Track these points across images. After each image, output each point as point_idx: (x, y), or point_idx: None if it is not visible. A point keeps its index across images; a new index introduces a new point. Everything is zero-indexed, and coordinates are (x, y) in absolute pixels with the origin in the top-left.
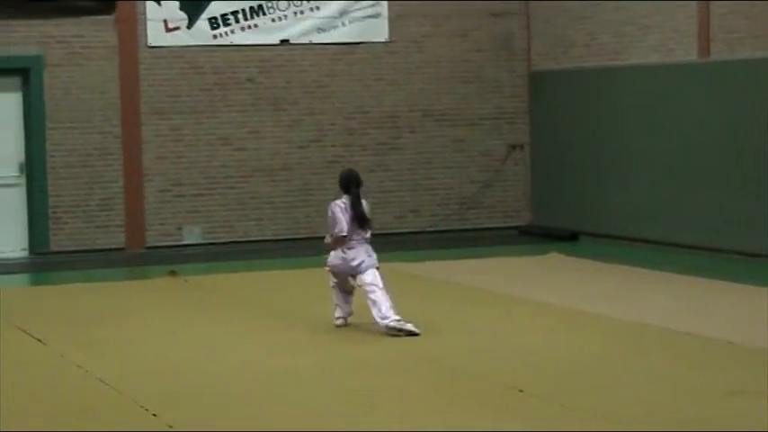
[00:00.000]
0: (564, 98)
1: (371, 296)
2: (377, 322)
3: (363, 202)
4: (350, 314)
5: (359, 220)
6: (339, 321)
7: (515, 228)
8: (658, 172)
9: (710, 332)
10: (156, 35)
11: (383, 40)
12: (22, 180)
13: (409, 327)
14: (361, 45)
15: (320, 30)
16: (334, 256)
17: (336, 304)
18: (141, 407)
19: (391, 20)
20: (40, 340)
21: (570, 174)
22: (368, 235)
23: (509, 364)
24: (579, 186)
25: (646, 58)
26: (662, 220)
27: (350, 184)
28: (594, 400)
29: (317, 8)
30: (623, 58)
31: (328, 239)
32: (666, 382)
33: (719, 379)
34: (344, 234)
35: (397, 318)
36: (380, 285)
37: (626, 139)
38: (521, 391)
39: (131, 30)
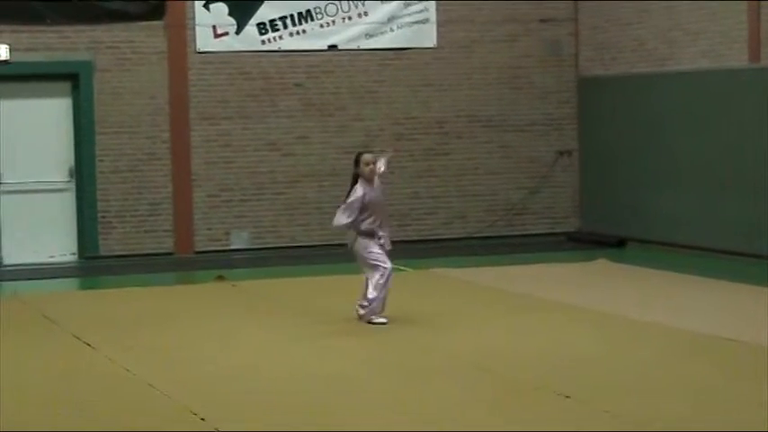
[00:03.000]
0: (612, 104)
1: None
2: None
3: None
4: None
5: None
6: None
7: (563, 234)
8: (706, 178)
9: (758, 339)
10: (204, 40)
11: (431, 46)
12: (72, 185)
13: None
14: (409, 50)
15: (368, 35)
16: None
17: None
18: (190, 411)
19: (439, 25)
20: (88, 344)
21: (618, 180)
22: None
23: (556, 371)
24: (627, 193)
25: (694, 63)
26: (710, 227)
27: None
28: (640, 408)
29: (366, 14)
30: (672, 63)
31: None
32: (712, 389)
33: (765, 388)
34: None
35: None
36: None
37: (674, 146)
38: (567, 397)
39: (180, 35)
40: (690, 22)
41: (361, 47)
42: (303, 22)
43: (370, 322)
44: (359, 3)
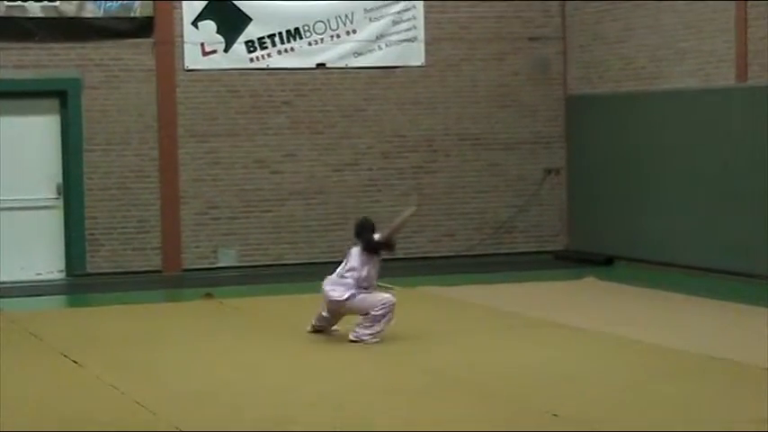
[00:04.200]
0: (600, 123)
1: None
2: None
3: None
4: (326, 327)
5: (370, 251)
6: (309, 328)
7: (551, 252)
8: (695, 197)
9: (746, 358)
10: (193, 58)
11: (419, 64)
12: (60, 202)
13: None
14: (397, 69)
15: (357, 53)
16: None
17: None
18: (177, 429)
19: (428, 43)
20: (76, 362)
21: (606, 198)
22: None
23: (544, 389)
24: (615, 211)
25: (682, 82)
26: (698, 245)
27: (362, 231)
28: (628, 426)
29: (354, 32)
30: (660, 82)
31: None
32: (700, 408)
33: (753, 406)
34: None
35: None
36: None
37: (662, 164)
38: (555, 415)
39: (169, 53)
40: (677, 41)
41: (350, 65)
42: (291, 40)
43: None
44: (347, 21)
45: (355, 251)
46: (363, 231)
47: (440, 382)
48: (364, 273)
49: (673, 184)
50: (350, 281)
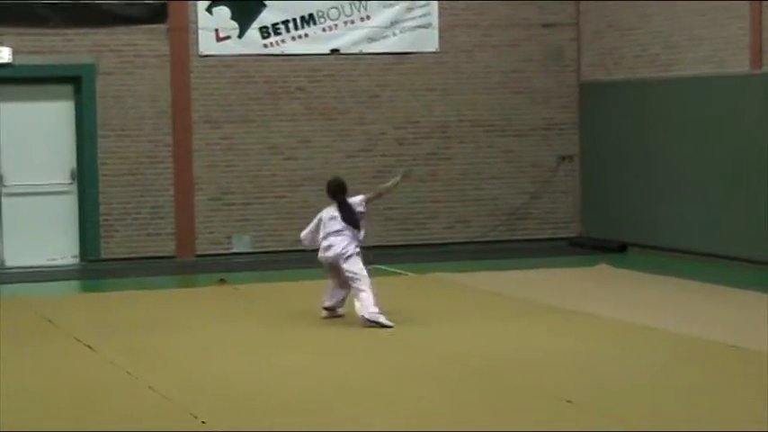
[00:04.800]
0: (614, 109)
1: (354, 285)
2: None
3: (354, 200)
4: (339, 305)
5: (349, 223)
6: (324, 314)
7: (564, 239)
8: (709, 184)
9: (760, 346)
10: (207, 44)
11: (433, 50)
12: (74, 188)
13: (382, 319)
14: (411, 55)
15: (371, 39)
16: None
17: (329, 293)
18: (190, 414)
19: (442, 30)
20: (90, 347)
21: (620, 185)
22: (360, 235)
23: (557, 375)
24: (629, 198)
25: (697, 69)
26: (712, 232)
27: (336, 192)
28: (640, 413)
29: (368, 18)
30: (674, 69)
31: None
32: (713, 395)
33: (765, 392)
34: (303, 243)
35: (375, 310)
36: (363, 274)
37: (676, 151)
38: (569, 402)
39: (183, 39)
40: (692, 28)
41: (364, 51)
42: (305, 26)
43: (375, 322)
44: (361, 7)
45: (332, 215)
46: (339, 192)
47: (453, 369)
48: (361, 235)
49: (687, 171)
50: (348, 234)
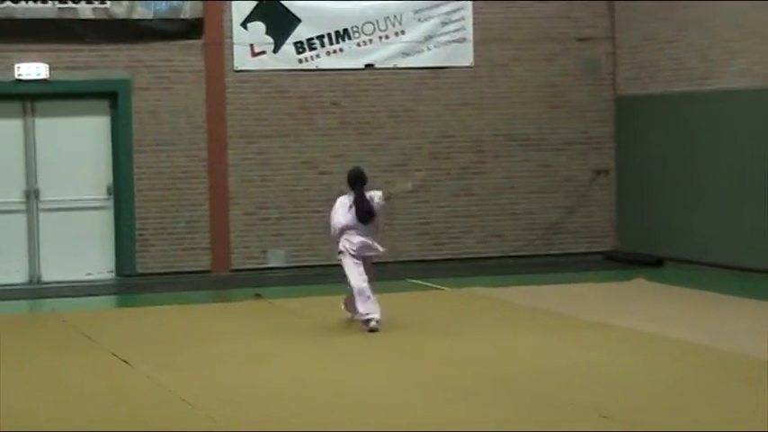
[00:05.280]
0: (650, 123)
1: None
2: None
3: (374, 194)
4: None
5: (363, 216)
6: (373, 324)
7: (600, 253)
8: (745, 198)
9: None
10: (242, 59)
11: (468, 65)
12: (110, 202)
13: (373, 324)
14: (446, 69)
15: (405, 54)
16: (343, 241)
17: (359, 303)
18: (226, 429)
19: (476, 44)
20: (126, 362)
21: (656, 199)
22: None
23: (593, 390)
24: (665, 212)
25: (733, 82)
26: (749, 247)
27: (356, 182)
28: (677, 428)
29: (403, 32)
30: (710, 83)
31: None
32: (749, 411)
33: None
34: (337, 232)
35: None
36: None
37: (712, 165)
38: (604, 417)
39: (218, 54)
40: (729, 41)
41: (398, 65)
42: (340, 40)
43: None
44: (396, 21)
45: (347, 204)
46: (359, 182)
47: (488, 383)
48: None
49: (723, 185)
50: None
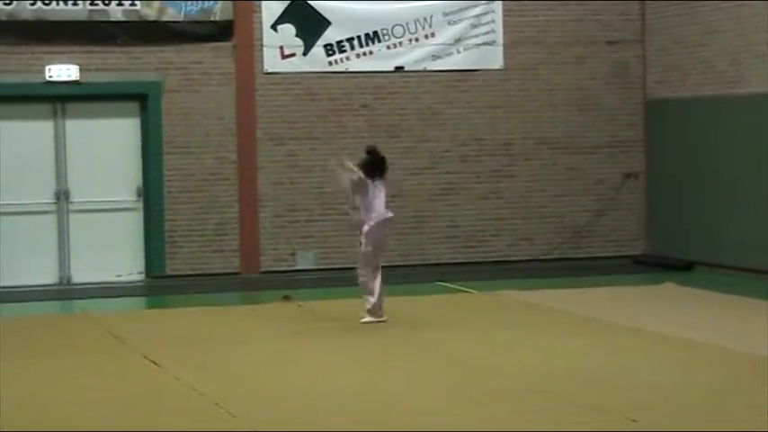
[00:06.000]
0: (680, 127)
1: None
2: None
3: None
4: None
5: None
6: (383, 317)
7: (630, 257)
8: None
9: None
10: (272, 61)
11: (498, 68)
12: (140, 204)
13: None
14: (475, 72)
15: (435, 57)
16: (371, 224)
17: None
18: (255, 431)
19: (506, 47)
20: (155, 363)
21: (685, 203)
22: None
23: (623, 394)
24: (695, 216)
25: (763, 86)
26: None
27: (375, 171)
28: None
29: (433, 35)
30: (740, 86)
31: (351, 213)
32: None
33: None
34: (361, 177)
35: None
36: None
37: (742, 168)
38: (635, 421)
39: (248, 56)
40: (759, 44)
41: (428, 68)
42: (370, 43)
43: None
44: (426, 24)
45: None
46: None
47: (515, 386)
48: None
49: (754, 189)
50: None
